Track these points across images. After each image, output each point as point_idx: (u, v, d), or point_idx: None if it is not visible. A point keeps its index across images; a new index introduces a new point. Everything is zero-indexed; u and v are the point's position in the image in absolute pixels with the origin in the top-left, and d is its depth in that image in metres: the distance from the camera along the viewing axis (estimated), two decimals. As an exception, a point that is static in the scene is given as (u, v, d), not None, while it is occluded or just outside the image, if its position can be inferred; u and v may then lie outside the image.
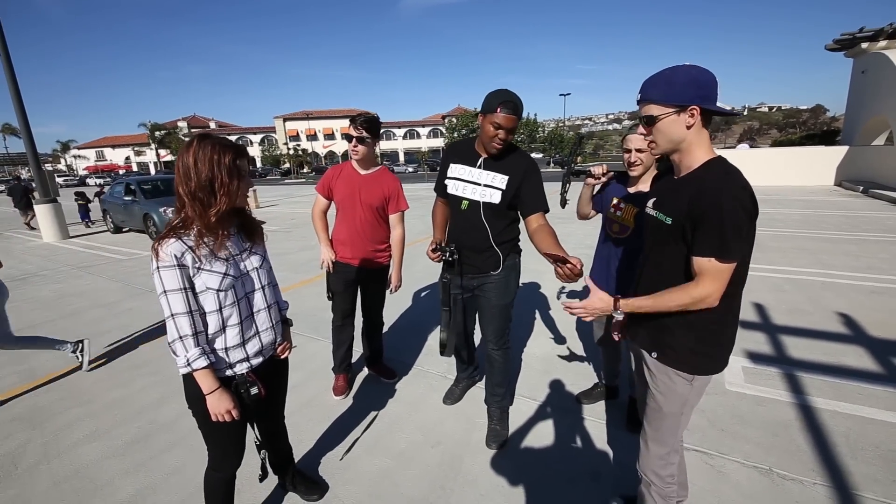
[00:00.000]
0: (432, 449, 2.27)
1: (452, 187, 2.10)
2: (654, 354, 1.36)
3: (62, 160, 67.17)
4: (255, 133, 66.29)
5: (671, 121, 1.21)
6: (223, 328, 1.41)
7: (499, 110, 1.83)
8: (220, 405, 1.38)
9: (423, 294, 4.81)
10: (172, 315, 1.30)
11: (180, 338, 1.31)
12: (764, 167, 14.87)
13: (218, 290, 1.36)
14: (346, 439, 2.38)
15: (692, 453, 2.11)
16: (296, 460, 2.07)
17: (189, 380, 1.40)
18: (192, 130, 60.72)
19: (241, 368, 1.48)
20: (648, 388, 1.41)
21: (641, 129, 1.30)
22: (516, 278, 2.20)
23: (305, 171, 52.47)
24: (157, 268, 1.28)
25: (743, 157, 15.80)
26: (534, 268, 5.53)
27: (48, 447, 2.41)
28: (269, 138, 64.41)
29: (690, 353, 1.30)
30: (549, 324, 3.81)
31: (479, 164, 2.04)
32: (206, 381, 1.36)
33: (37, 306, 5.00)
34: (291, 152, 54.36)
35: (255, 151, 64.07)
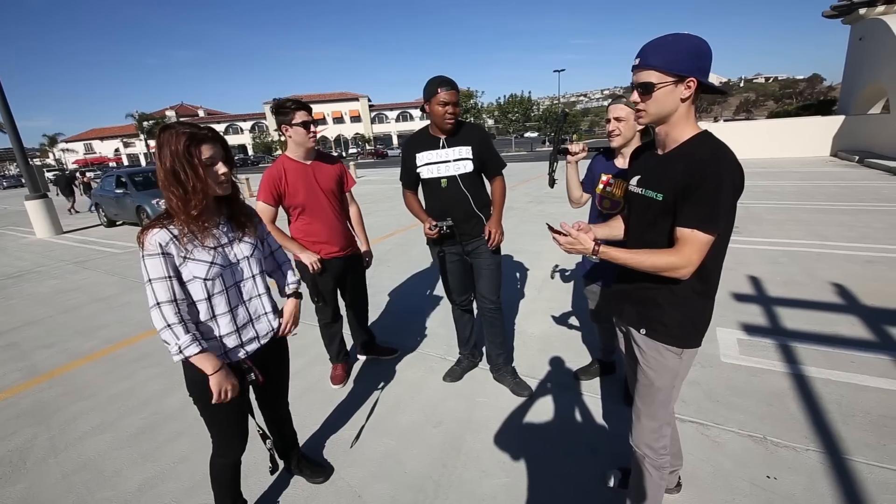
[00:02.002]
0: (434, 429, 2.31)
1: (427, 172, 2.30)
2: (643, 331, 1.38)
3: (50, 154, 66.09)
4: (244, 120, 65.14)
5: (668, 91, 1.18)
6: (213, 316, 1.43)
7: (440, 91, 2.11)
8: (226, 382, 1.40)
9: (420, 278, 4.82)
10: (158, 304, 1.30)
11: (168, 326, 1.31)
12: (759, 139, 14.78)
13: (205, 280, 1.37)
14: (349, 423, 2.42)
15: (688, 424, 2.16)
16: (300, 445, 2.11)
17: (188, 366, 1.41)
18: (181, 119, 59.64)
19: (235, 355, 1.49)
20: (638, 364, 1.43)
21: (635, 97, 1.24)
22: (498, 248, 2.46)
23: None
24: (143, 256, 1.30)
25: (740, 130, 15.70)
26: (531, 249, 5.55)
27: (55, 441, 2.45)
28: (260, 125, 63.38)
29: (679, 326, 1.31)
30: (546, 303, 3.84)
31: (441, 144, 2.27)
32: (207, 364, 1.37)
33: (35, 303, 5.00)
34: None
35: (245, 139, 63.14)
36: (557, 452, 2.08)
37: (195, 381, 1.43)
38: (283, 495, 1.95)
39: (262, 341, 1.58)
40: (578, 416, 2.33)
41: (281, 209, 2.47)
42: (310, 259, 2.45)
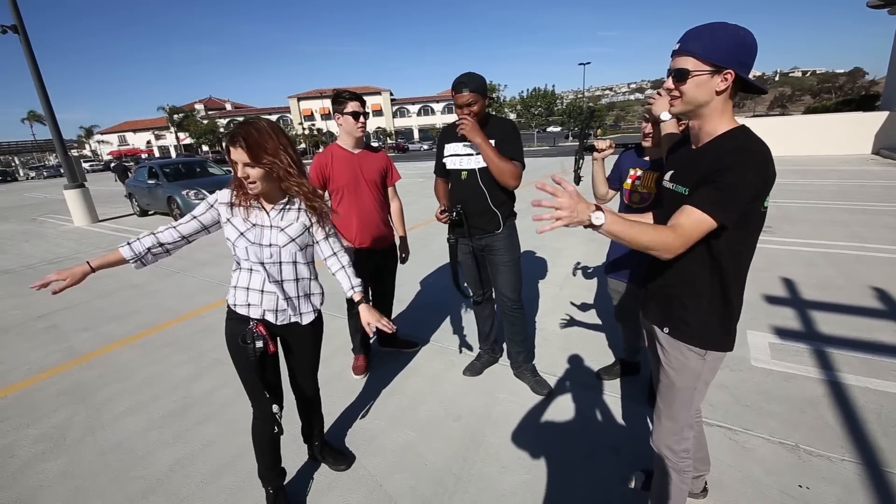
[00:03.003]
0: (454, 422, 2.32)
1: (451, 163, 2.35)
2: (666, 329, 1.34)
3: (87, 146, 68.85)
4: (270, 114, 66.27)
5: (703, 80, 1.12)
6: (250, 271, 1.63)
7: (454, 93, 2.15)
8: (74, 271, 1.60)
9: (441, 272, 4.83)
10: (173, 226, 1.60)
11: (151, 233, 1.61)
12: (795, 136, 14.16)
13: (234, 245, 1.58)
14: (369, 413, 2.45)
15: (715, 428, 2.11)
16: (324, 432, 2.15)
17: (225, 321, 1.68)
18: (209, 112, 61.21)
19: (255, 313, 1.63)
20: (661, 364, 1.40)
21: (669, 83, 1.19)
22: (518, 239, 2.46)
23: (321, 150, 52.58)
24: (204, 199, 1.55)
25: (774, 126, 15.08)
26: (553, 245, 5.48)
27: (92, 420, 2.57)
28: (285, 118, 64.46)
29: (703, 327, 1.27)
30: (568, 301, 3.79)
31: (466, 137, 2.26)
32: (101, 260, 1.61)
33: (73, 288, 5.21)
34: (307, 132, 54.39)
35: (271, 132, 64.19)
36: (579, 452, 2.06)
37: (226, 337, 1.68)
38: (308, 482, 2.00)
39: (279, 320, 1.68)
40: (600, 416, 2.30)
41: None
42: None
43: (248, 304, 1.63)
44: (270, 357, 1.68)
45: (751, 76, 1.15)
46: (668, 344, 1.35)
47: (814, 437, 2.02)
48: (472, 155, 2.28)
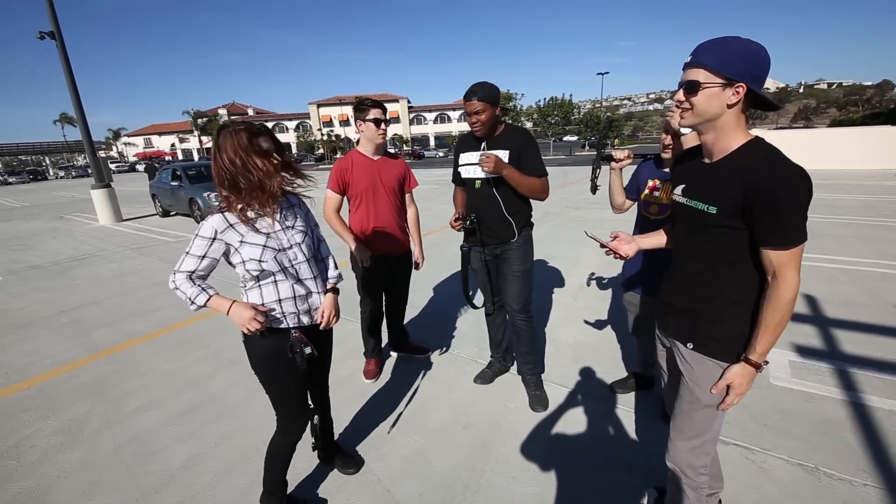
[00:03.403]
0: (464, 430, 2.31)
1: (465, 172, 2.36)
2: (690, 345, 1.32)
3: (114, 147, 71.09)
4: (290, 119, 67.69)
5: (714, 93, 1.12)
6: (275, 283, 1.55)
7: (465, 102, 2.17)
8: (243, 312, 1.47)
9: (453, 279, 4.84)
10: (176, 270, 1.47)
11: (176, 287, 1.47)
12: (820, 149, 13.83)
13: (259, 261, 1.48)
14: (380, 418, 2.46)
15: (732, 447, 2.05)
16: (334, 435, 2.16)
17: (250, 344, 1.57)
18: (232, 117, 62.68)
19: (292, 321, 1.59)
20: (682, 380, 1.37)
21: (679, 95, 1.19)
22: (532, 249, 2.44)
23: (338, 156, 53.36)
24: (196, 234, 1.45)
25: (797, 139, 14.76)
26: (567, 255, 5.44)
27: (109, 414, 2.63)
28: (304, 124, 65.62)
29: (730, 341, 1.24)
30: (581, 312, 3.75)
31: (482, 147, 2.30)
32: (221, 305, 1.48)
33: (96, 284, 5.39)
34: (325, 138, 55.24)
35: (290, 137, 65.62)
36: (590, 465, 2.03)
37: (258, 359, 1.59)
38: (316, 484, 2.01)
39: (314, 320, 1.68)
40: (612, 430, 2.27)
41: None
42: (362, 255, 2.54)
43: (284, 314, 1.59)
44: (312, 363, 1.64)
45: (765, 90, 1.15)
46: (693, 359, 1.32)
47: (835, 459, 1.96)
48: None
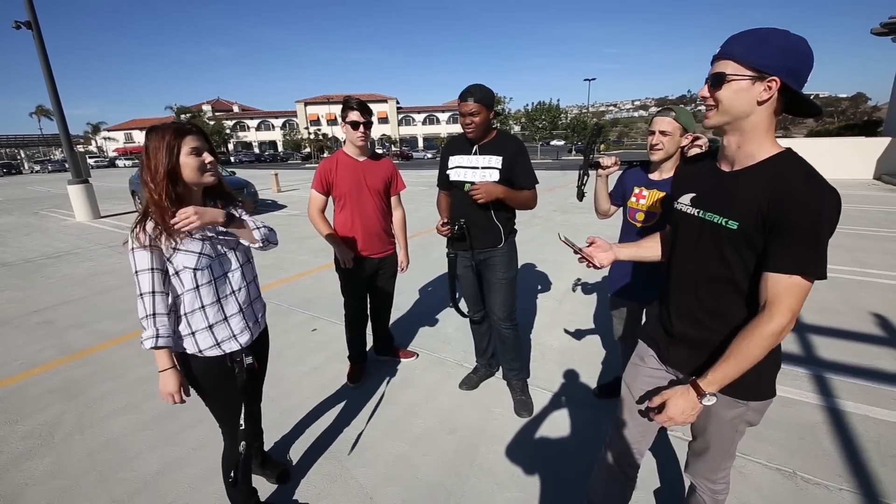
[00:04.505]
0: (448, 436, 2.29)
1: (455, 175, 2.32)
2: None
3: (93, 142, 69.21)
4: (276, 117, 66.85)
5: (742, 87, 0.98)
6: (202, 307, 1.45)
7: (460, 102, 2.13)
8: (168, 385, 1.43)
9: (439, 282, 4.82)
10: (141, 294, 1.36)
11: (145, 317, 1.37)
12: (798, 159, 14.23)
13: (195, 269, 1.40)
14: (363, 422, 2.42)
15: (712, 452, 2.08)
16: (313, 440, 2.13)
17: (185, 361, 1.49)
18: (217, 114, 61.66)
19: (229, 347, 1.52)
20: (703, 415, 1.21)
21: (704, 91, 1.04)
22: (517, 255, 2.45)
23: (325, 155, 52.90)
24: (132, 248, 1.35)
25: (776, 148, 15.14)
26: (553, 259, 5.47)
27: (82, 418, 2.54)
28: (291, 122, 64.87)
29: (750, 376, 1.08)
30: (567, 316, 3.77)
31: (474, 150, 2.28)
32: (160, 359, 1.42)
33: (71, 283, 5.22)
34: (312, 137, 54.73)
35: (276, 135, 64.86)
36: (574, 471, 2.03)
37: (196, 374, 1.51)
38: (294, 493, 1.97)
39: (254, 332, 1.61)
40: (597, 435, 2.27)
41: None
42: (345, 256, 2.51)
43: (233, 336, 1.52)
44: (251, 374, 1.61)
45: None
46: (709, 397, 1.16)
47: (812, 464, 2.00)
48: (476, 168, 2.26)
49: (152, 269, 1.36)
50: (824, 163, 13.85)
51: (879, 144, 13.41)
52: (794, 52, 0.95)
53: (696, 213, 1.15)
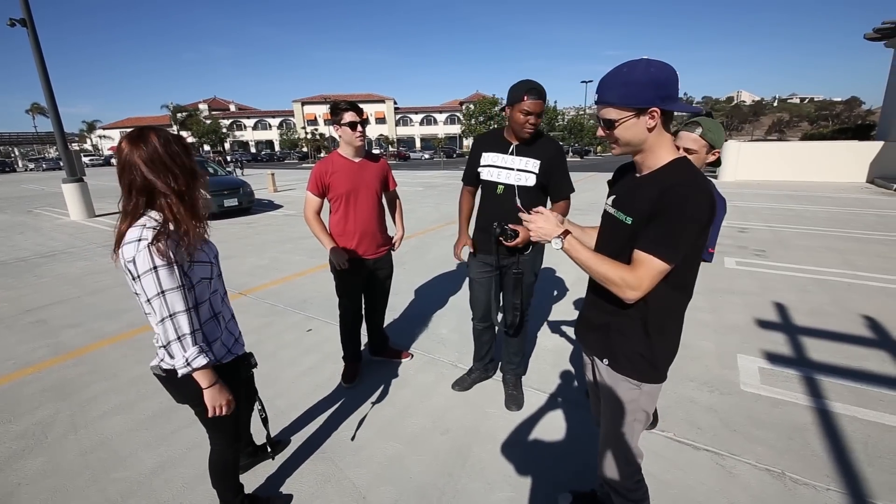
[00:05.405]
0: (441, 436, 2.31)
1: (487, 174, 2.25)
2: (606, 361, 1.35)
3: (88, 140, 68.78)
4: (273, 116, 66.67)
5: (630, 124, 1.14)
6: (214, 315, 1.46)
7: (525, 98, 2.00)
8: (220, 397, 1.41)
9: (435, 282, 4.83)
10: (172, 315, 1.27)
11: (178, 338, 1.29)
12: (792, 161, 14.37)
13: (210, 279, 1.40)
14: (356, 422, 2.43)
15: (703, 452, 2.10)
16: (305, 439, 2.16)
17: (187, 380, 1.37)
18: (213, 113, 61.40)
19: (237, 350, 1.54)
20: (601, 394, 1.40)
21: (600, 132, 1.24)
22: (542, 258, 2.44)
23: (322, 155, 52.82)
24: (155, 267, 1.23)
25: (770, 151, 15.28)
26: (547, 259, 5.50)
27: (76, 418, 2.53)
28: (288, 122, 64.73)
29: (641, 358, 1.27)
30: (562, 316, 3.80)
31: (511, 150, 2.19)
32: (206, 378, 1.36)
33: (64, 283, 5.19)
34: (309, 136, 54.64)
35: (273, 135, 64.73)
36: (567, 470, 2.05)
37: (196, 388, 1.40)
38: (289, 492, 1.97)
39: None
40: (590, 436, 2.29)
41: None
42: (339, 259, 2.50)
43: (236, 340, 1.55)
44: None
45: (685, 102, 1.20)
46: (609, 376, 1.35)
47: (800, 465, 2.02)
48: (511, 170, 2.18)
49: (181, 285, 1.29)
50: (818, 166, 13.94)
51: (872, 148, 13.55)
52: (659, 82, 1.10)
53: (613, 213, 1.32)
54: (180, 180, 1.28)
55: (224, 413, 1.44)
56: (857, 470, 1.98)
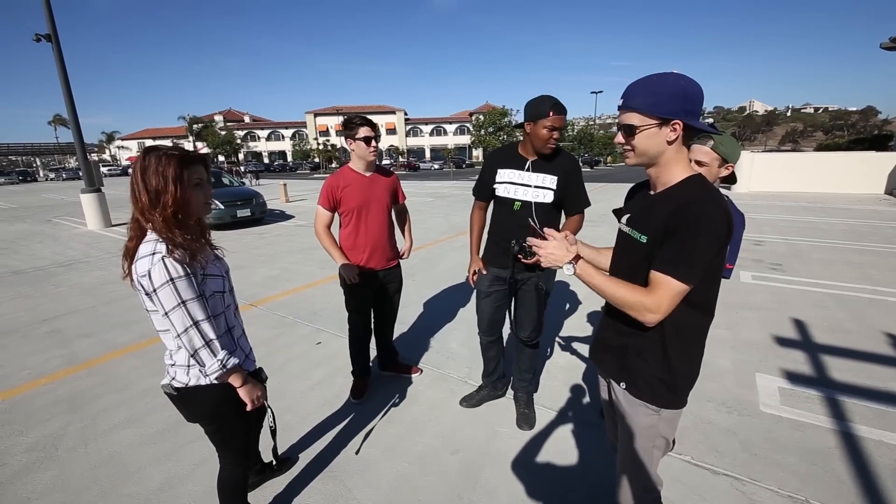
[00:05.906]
0: (451, 456, 2.26)
1: (503, 190, 2.22)
2: (623, 385, 1.30)
3: (107, 150, 70.51)
4: (286, 128, 67.79)
5: (651, 133, 1.13)
6: (228, 329, 1.47)
7: (551, 114, 2.00)
8: (255, 390, 1.45)
9: (445, 295, 4.81)
10: (195, 323, 1.28)
11: (206, 344, 1.31)
12: (806, 172, 14.14)
13: (223, 293, 1.42)
14: (365, 441, 2.40)
15: (722, 477, 2.03)
16: (314, 457, 2.13)
17: (205, 393, 1.39)
18: (228, 124, 62.61)
19: (248, 366, 1.55)
20: (618, 418, 1.35)
21: (619, 138, 1.21)
22: (555, 273, 2.30)
23: (334, 165, 53.44)
24: (171, 279, 1.24)
25: (785, 162, 15.07)
26: (561, 272, 5.44)
27: (86, 431, 2.54)
28: (301, 133, 65.73)
29: (660, 383, 1.23)
30: (574, 332, 3.74)
31: (527, 167, 2.17)
32: (238, 377, 1.41)
33: (79, 292, 5.27)
34: (321, 147, 55.36)
35: (286, 146, 65.77)
36: (579, 494, 1.99)
37: (212, 407, 1.44)
38: (297, 510, 1.95)
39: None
40: (603, 457, 2.23)
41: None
42: (350, 273, 2.50)
43: (247, 356, 1.56)
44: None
45: (703, 120, 1.17)
46: (625, 399, 1.31)
47: (825, 492, 1.94)
48: (528, 187, 2.16)
49: (199, 295, 1.30)
50: (834, 177, 13.73)
51: (890, 159, 13.28)
52: (685, 96, 1.09)
53: (627, 231, 1.29)
54: (143, 198, 1.28)
55: (259, 403, 1.47)
56: (886, 498, 1.89)
